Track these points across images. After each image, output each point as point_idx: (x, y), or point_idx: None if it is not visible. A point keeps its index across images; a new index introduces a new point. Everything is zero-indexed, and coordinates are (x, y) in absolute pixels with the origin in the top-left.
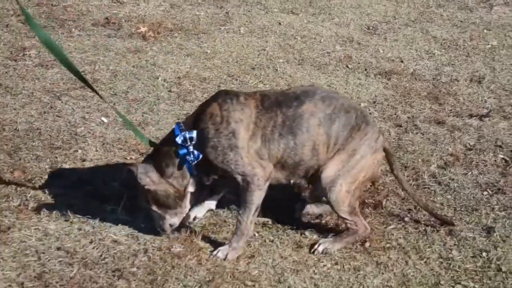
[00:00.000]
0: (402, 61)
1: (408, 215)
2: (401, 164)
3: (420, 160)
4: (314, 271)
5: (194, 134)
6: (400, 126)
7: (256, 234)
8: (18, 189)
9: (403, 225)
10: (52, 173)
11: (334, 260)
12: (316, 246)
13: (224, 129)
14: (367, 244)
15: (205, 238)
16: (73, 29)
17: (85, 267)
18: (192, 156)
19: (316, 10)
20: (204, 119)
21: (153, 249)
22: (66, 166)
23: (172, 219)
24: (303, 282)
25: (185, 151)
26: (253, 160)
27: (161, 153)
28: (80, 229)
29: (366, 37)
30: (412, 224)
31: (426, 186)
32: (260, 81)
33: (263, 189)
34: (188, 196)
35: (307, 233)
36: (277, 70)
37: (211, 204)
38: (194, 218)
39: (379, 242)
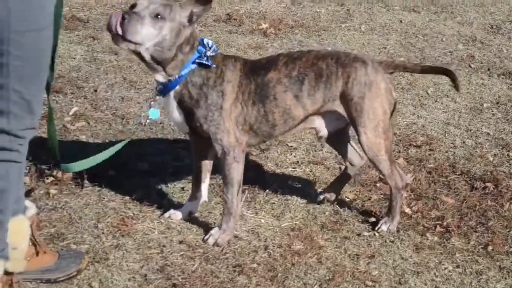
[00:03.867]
0: None
1: None
2: None
3: None
4: (435, 273)
5: (215, 46)
6: None
7: (377, 234)
8: (142, 180)
9: None
10: (176, 166)
11: (456, 263)
12: (379, 226)
13: (219, 84)
14: (489, 248)
15: (326, 237)
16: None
17: (206, 262)
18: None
19: (438, 8)
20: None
21: (273, 246)
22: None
23: None
24: (423, 284)
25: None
26: (231, 128)
27: None
28: (201, 224)
29: (489, 36)
30: None
31: None
32: None
33: (240, 162)
34: None
35: (428, 234)
36: None
37: (203, 196)
38: (190, 214)
39: (502, 246)
